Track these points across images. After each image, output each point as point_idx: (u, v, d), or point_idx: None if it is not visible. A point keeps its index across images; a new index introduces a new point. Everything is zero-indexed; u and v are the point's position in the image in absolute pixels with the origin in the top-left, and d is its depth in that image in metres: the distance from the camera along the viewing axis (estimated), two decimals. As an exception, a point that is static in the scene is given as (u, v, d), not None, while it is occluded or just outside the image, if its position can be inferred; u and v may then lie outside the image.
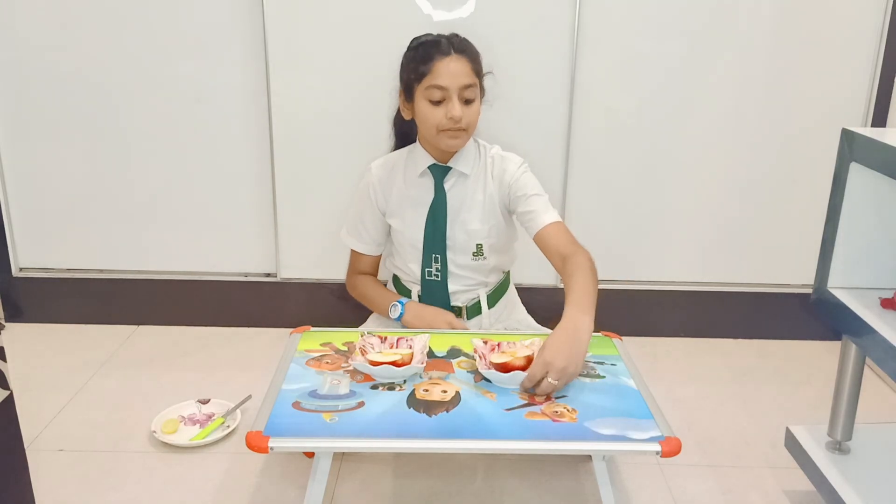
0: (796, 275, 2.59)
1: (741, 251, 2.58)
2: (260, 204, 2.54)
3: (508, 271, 2.10)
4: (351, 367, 1.61)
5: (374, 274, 2.10)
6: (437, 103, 1.78)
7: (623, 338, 1.81)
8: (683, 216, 2.55)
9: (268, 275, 2.63)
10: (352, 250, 2.07)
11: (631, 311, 2.62)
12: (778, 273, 2.60)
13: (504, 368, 1.53)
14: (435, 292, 1.96)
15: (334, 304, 2.60)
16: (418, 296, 2.00)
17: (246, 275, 2.63)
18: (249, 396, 2.15)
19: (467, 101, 1.79)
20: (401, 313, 1.92)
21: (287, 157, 2.47)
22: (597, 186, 2.51)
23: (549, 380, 1.47)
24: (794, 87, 2.41)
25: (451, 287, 1.96)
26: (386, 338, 1.69)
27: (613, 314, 2.52)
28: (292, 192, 2.51)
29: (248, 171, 2.52)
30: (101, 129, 2.48)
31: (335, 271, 2.58)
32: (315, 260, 2.59)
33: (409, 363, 1.57)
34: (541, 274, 2.51)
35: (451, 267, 1.94)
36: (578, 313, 1.55)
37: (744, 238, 2.57)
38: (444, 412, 1.44)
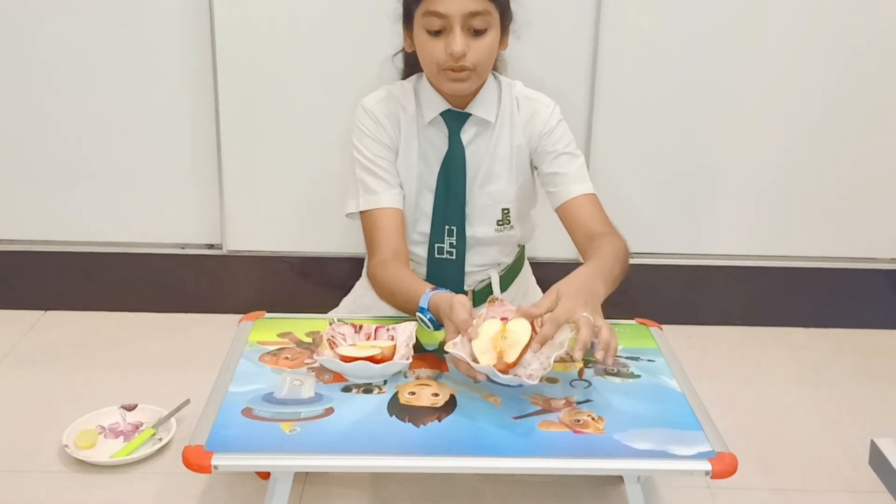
0: (884, 247, 2.60)
1: (813, 217, 2.59)
2: (201, 159, 2.54)
3: (524, 246, 2.09)
4: (317, 364, 1.60)
5: (405, 254, 1.84)
6: (437, 34, 1.74)
7: (663, 327, 1.81)
8: (739, 172, 2.55)
9: (211, 246, 2.63)
10: (366, 222, 1.85)
11: (673, 293, 2.63)
12: (861, 245, 2.61)
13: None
14: (447, 274, 1.92)
15: (295, 283, 2.61)
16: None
17: (183, 246, 2.64)
18: (187, 401, 2.15)
19: (476, 32, 1.75)
20: (433, 324, 1.64)
21: (234, 99, 2.47)
22: (629, 133, 2.51)
23: (584, 331, 1.41)
24: (884, 9, 2.40)
25: (466, 267, 1.94)
26: (361, 326, 1.68)
27: (650, 297, 2.52)
28: (241, 144, 2.51)
29: (185, 117, 2.51)
30: (2, 71, 2.47)
31: (295, 242, 2.59)
32: (270, 227, 2.59)
33: (391, 358, 1.56)
34: (559, 246, 2.49)
35: (469, 242, 1.92)
36: (593, 275, 1.55)
37: (816, 201, 2.57)
38: (436, 421, 1.44)
